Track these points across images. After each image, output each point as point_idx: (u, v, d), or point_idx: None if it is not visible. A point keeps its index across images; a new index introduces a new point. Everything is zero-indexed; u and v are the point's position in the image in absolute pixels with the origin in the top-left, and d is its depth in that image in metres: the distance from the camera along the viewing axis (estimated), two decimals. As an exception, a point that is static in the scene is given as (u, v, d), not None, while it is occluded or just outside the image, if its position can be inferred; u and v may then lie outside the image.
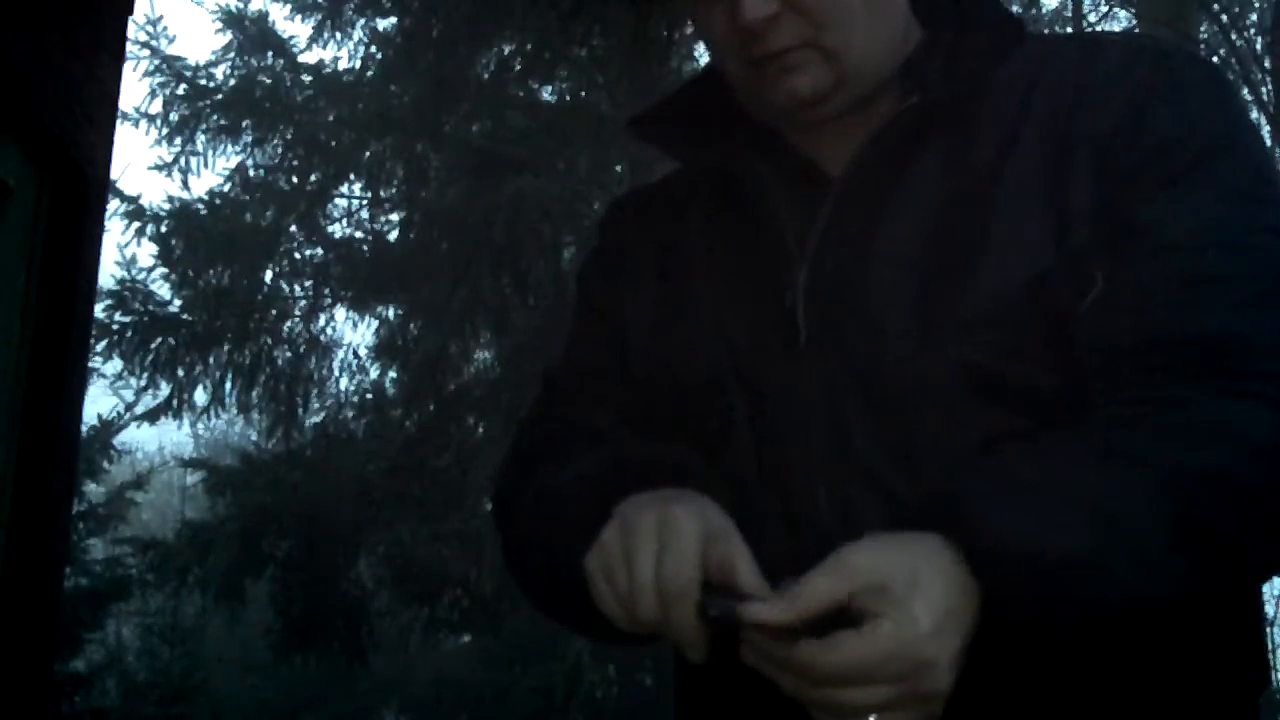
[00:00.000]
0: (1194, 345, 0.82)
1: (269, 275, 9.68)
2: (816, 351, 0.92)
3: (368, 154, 9.21)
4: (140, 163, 24.92)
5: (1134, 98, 0.90)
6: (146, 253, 12.34)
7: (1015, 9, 7.68)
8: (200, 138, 9.68)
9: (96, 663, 11.60)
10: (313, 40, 10.02)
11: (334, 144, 9.37)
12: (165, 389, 9.33)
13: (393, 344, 9.70)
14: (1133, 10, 7.86)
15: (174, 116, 9.63)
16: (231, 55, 9.91)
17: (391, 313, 9.84)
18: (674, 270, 1.05)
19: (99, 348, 8.78)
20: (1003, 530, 0.75)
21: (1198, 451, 0.78)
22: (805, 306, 0.93)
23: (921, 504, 0.81)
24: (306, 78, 9.87)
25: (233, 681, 14.28)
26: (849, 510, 0.89)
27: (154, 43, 9.58)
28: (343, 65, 9.95)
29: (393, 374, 9.89)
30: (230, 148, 9.69)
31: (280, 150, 9.67)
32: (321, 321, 9.98)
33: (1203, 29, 7.70)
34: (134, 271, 9.21)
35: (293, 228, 9.65)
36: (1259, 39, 7.72)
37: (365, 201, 9.83)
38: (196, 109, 9.63)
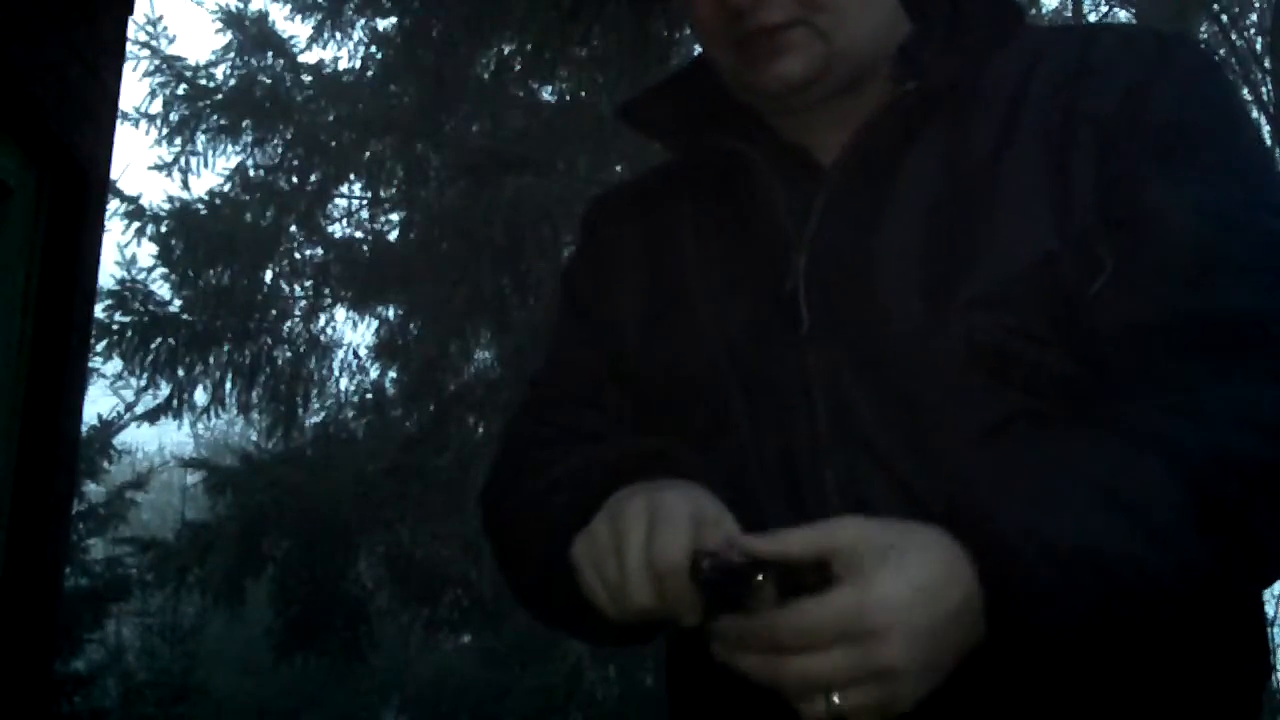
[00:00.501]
0: (1207, 326, 0.82)
1: (269, 275, 9.67)
2: (820, 337, 0.91)
3: (368, 154, 9.21)
4: (140, 163, 24.98)
5: (1135, 80, 0.90)
6: (146, 253, 12.32)
7: (1015, 9, 7.66)
8: (200, 138, 9.67)
9: (96, 663, 11.58)
10: (313, 40, 10.02)
11: (334, 144, 9.36)
12: (165, 389, 9.34)
13: (393, 344, 9.69)
14: (1133, 10, 7.85)
15: (174, 116, 9.62)
16: (231, 55, 9.91)
17: (391, 313, 9.84)
18: (663, 264, 1.04)
19: (99, 348, 8.78)
20: (1013, 519, 0.74)
21: (1217, 434, 0.77)
22: (807, 291, 0.92)
23: (929, 500, 0.80)
24: (306, 78, 9.87)
25: (233, 681, 14.27)
26: (859, 494, 0.88)
27: (154, 43, 9.58)
28: (343, 65, 9.95)
29: (393, 374, 9.89)
30: (230, 148, 9.69)
31: (280, 150, 9.67)
32: (321, 321, 9.99)
33: (1203, 29, 7.70)
34: (134, 271, 9.21)
35: (293, 228, 9.64)
36: (1259, 39, 7.72)
37: (365, 201, 9.83)
38: (196, 109, 9.62)
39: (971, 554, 0.74)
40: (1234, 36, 7.47)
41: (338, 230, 10.00)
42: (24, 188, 2.49)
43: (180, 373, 9.26)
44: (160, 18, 12.40)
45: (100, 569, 10.67)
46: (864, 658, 0.70)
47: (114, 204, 8.95)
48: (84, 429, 5.59)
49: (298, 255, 9.76)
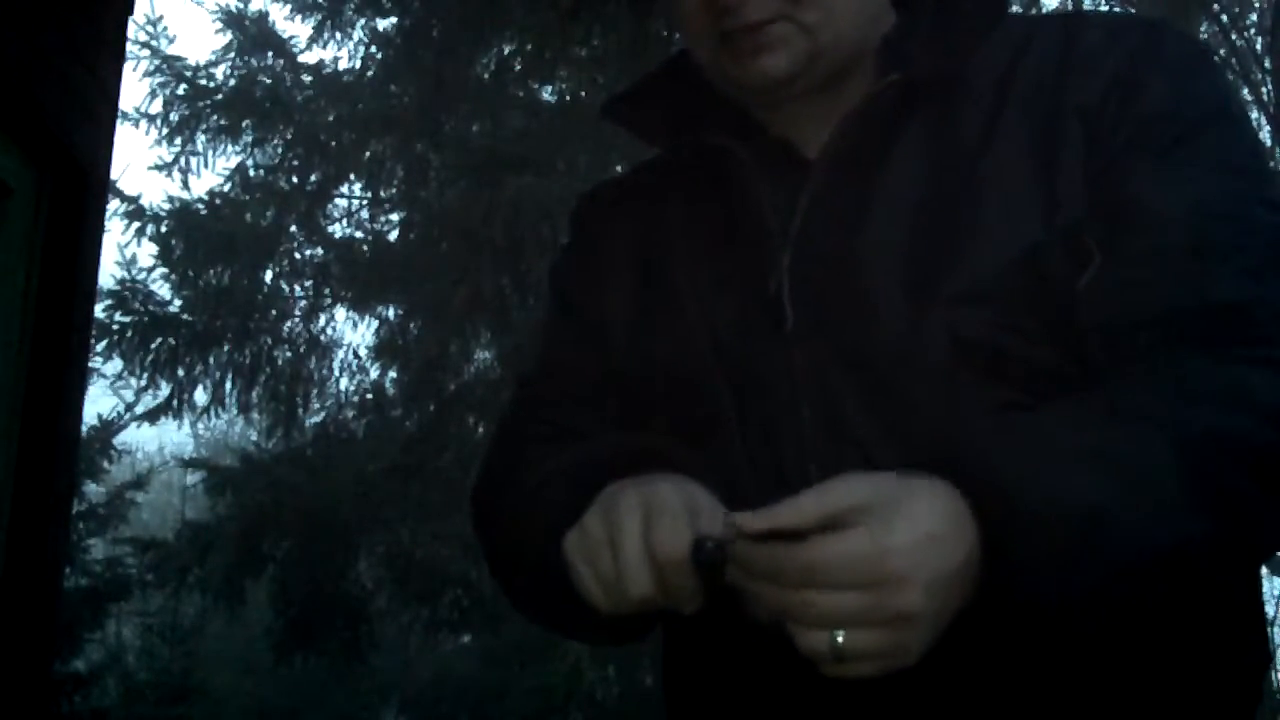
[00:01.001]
0: (1199, 316, 0.82)
1: (269, 275, 9.67)
2: (805, 335, 0.91)
3: (368, 154, 9.21)
4: (140, 163, 25.00)
5: (1123, 69, 0.90)
6: (146, 253, 12.34)
7: (1015, 8, 7.68)
8: (200, 138, 9.67)
9: (96, 663, 11.58)
10: (313, 40, 10.01)
11: (334, 144, 9.36)
12: (165, 389, 9.33)
13: (393, 344, 9.69)
14: (1133, 10, 7.86)
15: (174, 116, 9.62)
16: (231, 55, 9.90)
17: (391, 313, 9.84)
18: (652, 261, 1.03)
19: (99, 348, 8.77)
20: (1014, 476, 0.73)
21: (1212, 414, 0.77)
22: (791, 289, 0.92)
23: (929, 451, 0.79)
24: (306, 78, 9.87)
25: (233, 681, 14.27)
26: None
27: (154, 43, 9.58)
28: (343, 65, 9.95)
29: (393, 374, 9.88)
30: (230, 148, 9.69)
31: (280, 150, 9.67)
32: (321, 321, 9.99)
33: (1203, 29, 7.70)
34: (134, 271, 9.21)
35: (293, 228, 9.64)
36: (1259, 39, 7.72)
37: (365, 201, 9.83)
38: (196, 109, 9.62)
39: (974, 505, 0.73)
40: (1234, 36, 7.47)
41: (338, 230, 10.01)
42: (24, 188, 2.49)
43: (180, 373, 9.26)
44: (160, 18, 12.40)
45: (100, 569, 10.66)
46: (880, 601, 0.70)
47: (114, 204, 8.95)
48: (84, 429, 5.59)
49: (298, 255, 9.77)
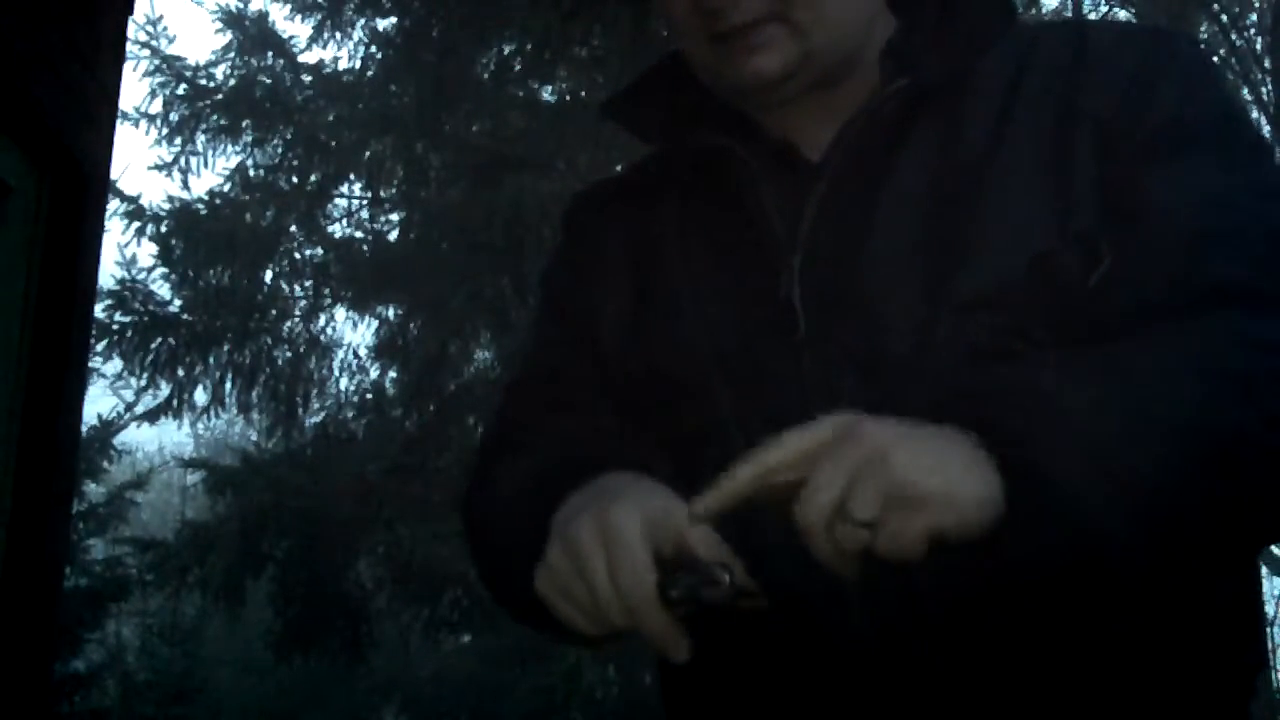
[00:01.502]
0: (1198, 298, 0.82)
1: (269, 275, 9.68)
2: (817, 340, 0.90)
3: (368, 154, 9.21)
4: (140, 163, 24.98)
5: (1136, 76, 0.90)
6: (146, 253, 12.33)
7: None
8: (200, 138, 9.68)
9: (96, 663, 11.57)
10: (313, 40, 10.02)
11: (334, 144, 9.36)
12: (165, 389, 9.34)
13: (393, 344, 9.70)
14: (1133, 10, 7.86)
15: (174, 116, 9.62)
16: (231, 55, 9.91)
17: (391, 313, 9.85)
18: (649, 263, 1.02)
19: (99, 348, 8.78)
20: (1028, 399, 0.75)
21: (1219, 353, 0.78)
22: (802, 295, 0.91)
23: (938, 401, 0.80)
24: (306, 78, 9.87)
25: (233, 681, 14.28)
26: None
27: (154, 43, 9.59)
28: (343, 65, 9.96)
29: (393, 374, 9.89)
30: (230, 148, 9.70)
31: (280, 150, 9.67)
32: (321, 321, 10.00)
33: (1203, 29, 7.70)
34: (134, 271, 9.22)
35: (293, 228, 9.65)
36: (1259, 39, 7.73)
37: (365, 201, 9.83)
38: (196, 109, 9.63)
39: (987, 427, 0.74)
40: (1234, 36, 7.47)
41: (338, 230, 10.02)
42: (24, 187, 2.49)
43: (180, 373, 9.27)
44: (160, 18, 12.42)
45: (100, 569, 10.66)
46: (875, 476, 0.72)
47: (114, 204, 8.95)
48: (84, 429, 5.59)
49: (298, 255, 9.77)
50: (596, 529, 0.79)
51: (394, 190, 9.51)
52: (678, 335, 0.97)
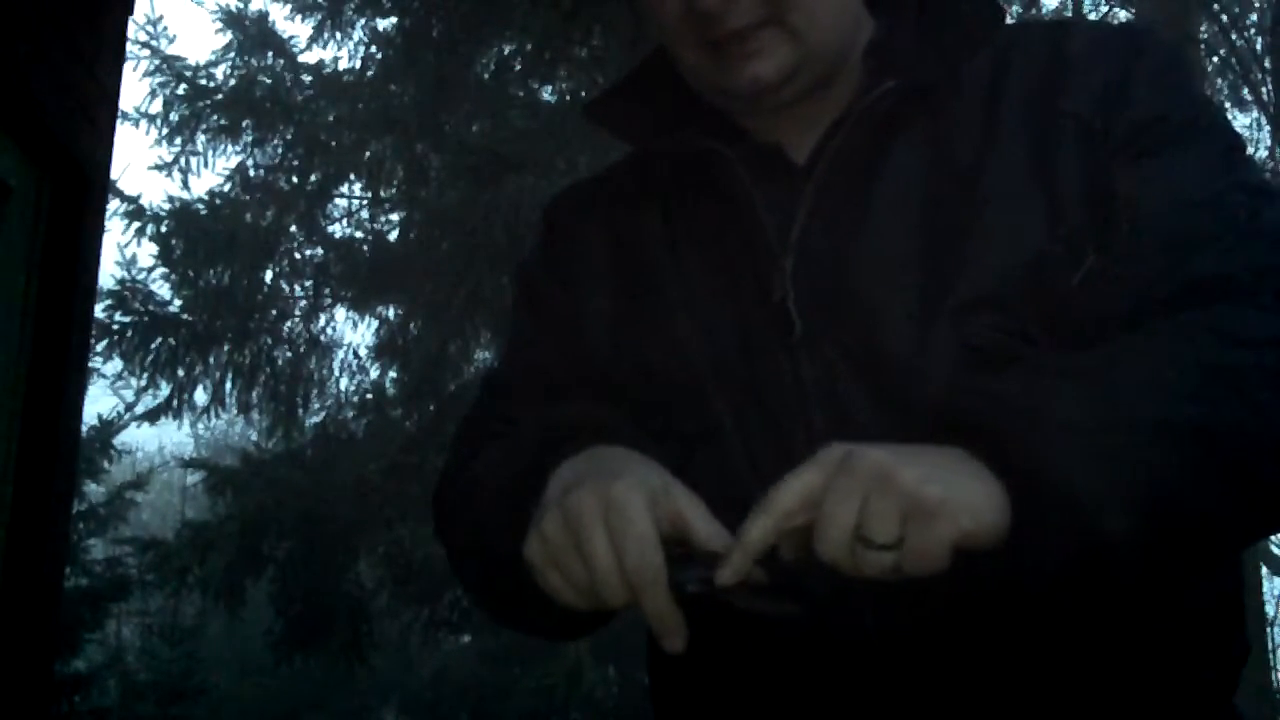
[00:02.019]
0: (1184, 294, 0.83)
1: (269, 275, 9.68)
2: (813, 342, 0.90)
3: (368, 154, 9.20)
4: (140, 163, 25.03)
5: (1115, 76, 0.91)
6: (146, 253, 12.38)
7: (1015, 9, 7.67)
8: (200, 138, 9.69)
9: (96, 663, 11.58)
10: (313, 40, 10.03)
11: (334, 144, 9.36)
12: (165, 389, 9.35)
13: (393, 344, 9.70)
14: (1133, 10, 7.85)
15: (174, 116, 9.63)
16: (231, 55, 9.92)
17: (391, 313, 9.85)
18: (633, 265, 1.01)
19: (99, 348, 8.79)
20: (1024, 397, 0.75)
21: (1207, 350, 0.78)
22: (797, 298, 0.91)
23: (935, 411, 0.80)
24: (306, 78, 9.88)
25: (233, 681, 14.28)
26: None
27: (154, 43, 9.60)
28: (343, 65, 9.97)
29: (393, 374, 9.89)
30: (230, 148, 9.71)
31: (280, 150, 9.68)
32: (321, 321, 10.01)
33: (1203, 29, 7.71)
34: (134, 271, 9.23)
35: (293, 228, 9.65)
36: (1259, 39, 7.73)
37: (365, 201, 9.83)
38: (196, 109, 9.64)
39: (986, 434, 0.75)
40: (1234, 36, 7.47)
41: (338, 230, 10.02)
42: (24, 187, 2.49)
43: (180, 373, 9.27)
44: (160, 18, 12.45)
45: (100, 569, 10.67)
46: (885, 490, 0.72)
47: (114, 204, 8.96)
48: (84, 429, 5.59)
49: (298, 255, 9.78)
50: (598, 502, 0.77)
51: (394, 190, 9.50)
52: (670, 337, 0.96)
